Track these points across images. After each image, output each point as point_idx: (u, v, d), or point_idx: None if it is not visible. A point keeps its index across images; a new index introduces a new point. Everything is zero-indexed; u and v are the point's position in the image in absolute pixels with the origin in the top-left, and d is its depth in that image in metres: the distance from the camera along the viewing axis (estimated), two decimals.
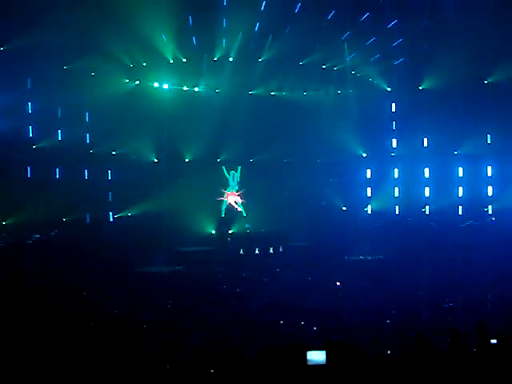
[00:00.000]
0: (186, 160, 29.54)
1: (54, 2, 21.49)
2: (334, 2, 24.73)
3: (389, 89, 29.65)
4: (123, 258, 23.57)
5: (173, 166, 29.12)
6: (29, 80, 26.21)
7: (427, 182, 29.07)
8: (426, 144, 29.27)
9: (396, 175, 30.05)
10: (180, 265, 25.14)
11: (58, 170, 26.97)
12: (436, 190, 28.76)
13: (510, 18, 22.81)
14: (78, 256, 22.25)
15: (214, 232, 29.26)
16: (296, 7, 24.71)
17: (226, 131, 28.66)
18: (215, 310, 16.01)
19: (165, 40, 25.46)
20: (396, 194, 29.90)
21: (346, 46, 28.05)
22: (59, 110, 27.03)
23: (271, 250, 27.66)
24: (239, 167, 30.13)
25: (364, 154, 30.47)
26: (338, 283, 20.76)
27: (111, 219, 28.09)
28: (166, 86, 28.64)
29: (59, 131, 26.85)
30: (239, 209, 30.13)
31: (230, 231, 29.56)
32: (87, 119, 27.75)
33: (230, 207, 30.21)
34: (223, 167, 29.98)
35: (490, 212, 27.87)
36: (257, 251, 27.51)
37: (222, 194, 29.93)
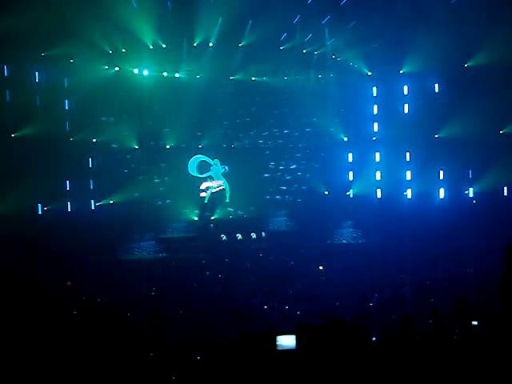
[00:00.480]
0: (168, 146, 29.40)
1: None
2: None
3: (369, 73, 29.63)
4: (105, 246, 23.48)
5: (154, 152, 28.99)
6: (5, 67, 25.83)
7: (409, 166, 29.13)
8: (406, 128, 29.32)
9: (377, 159, 30.10)
10: (163, 252, 25.12)
11: (37, 158, 26.65)
12: (418, 173, 28.83)
13: (493, 3, 22.87)
14: (59, 245, 22.10)
15: (196, 218, 29.21)
16: None
17: (207, 117, 28.63)
18: (198, 297, 16.03)
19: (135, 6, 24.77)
20: (378, 178, 29.96)
21: (326, 30, 27.96)
22: (38, 97, 26.69)
23: (253, 236, 27.71)
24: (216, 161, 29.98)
25: (345, 138, 30.50)
26: (320, 267, 20.88)
27: (93, 207, 27.90)
28: (146, 73, 28.39)
29: (38, 119, 26.51)
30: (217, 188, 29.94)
31: (212, 217, 29.53)
32: (67, 107, 27.45)
33: (212, 194, 30.17)
34: (205, 157, 29.83)
35: (471, 195, 28.02)
36: (239, 237, 27.54)
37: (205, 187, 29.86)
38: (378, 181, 29.89)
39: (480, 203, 27.10)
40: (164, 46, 27.41)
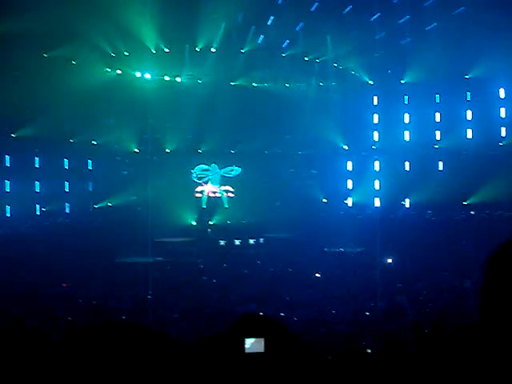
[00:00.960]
0: (168, 150, 29.43)
1: None
2: None
3: (371, 82, 29.70)
4: (103, 248, 23.45)
5: (154, 156, 29.01)
6: (8, 67, 25.84)
7: (408, 175, 29.17)
8: (407, 138, 29.38)
9: (377, 168, 30.14)
10: (160, 256, 25.07)
11: (37, 159, 26.68)
12: (416, 183, 28.86)
13: (491, 15, 22.95)
14: (58, 246, 22.09)
15: (194, 223, 29.22)
16: None
17: (207, 122, 28.64)
18: (195, 301, 16.01)
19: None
20: (376, 187, 29.98)
21: (328, 38, 28.04)
22: (39, 98, 26.68)
23: (252, 242, 27.70)
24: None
25: (345, 147, 30.54)
26: (317, 275, 20.85)
27: (91, 209, 27.89)
28: (147, 76, 28.46)
29: (39, 120, 26.52)
30: (218, 195, 30.09)
31: (210, 222, 29.54)
32: (68, 108, 27.45)
33: (211, 199, 30.20)
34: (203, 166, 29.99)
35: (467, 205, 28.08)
36: (237, 242, 27.53)
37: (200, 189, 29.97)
38: (376, 190, 29.92)
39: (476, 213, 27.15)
40: (167, 50, 27.48)
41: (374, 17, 25.29)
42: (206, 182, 30.05)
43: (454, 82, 27.19)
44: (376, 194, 29.87)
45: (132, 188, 27.65)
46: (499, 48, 24.01)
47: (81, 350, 2.76)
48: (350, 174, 30.73)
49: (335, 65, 29.43)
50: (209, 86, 28.85)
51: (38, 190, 26.45)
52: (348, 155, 30.65)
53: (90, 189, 28.13)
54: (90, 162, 28.12)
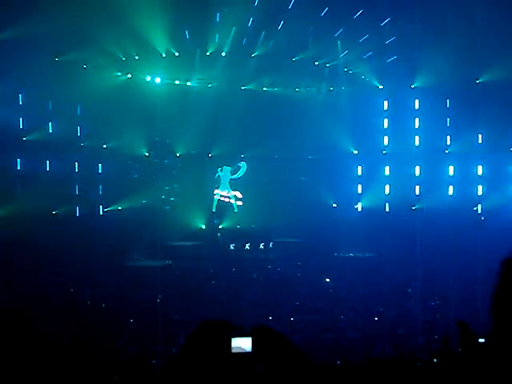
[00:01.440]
0: (178, 154, 29.49)
1: None
2: None
3: (381, 86, 29.63)
4: (112, 252, 23.51)
5: (164, 160, 29.08)
6: (20, 71, 25.97)
7: (418, 181, 29.07)
8: (417, 142, 29.27)
9: (387, 173, 30.04)
10: (169, 259, 25.12)
11: (48, 162, 26.79)
12: (426, 188, 28.76)
13: (502, 18, 22.84)
14: (67, 249, 22.14)
15: (204, 227, 29.23)
16: (290, 3, 24.61)
17: (217, 126, 28.70)
18: (204, 305, 16.01)
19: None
20: (386, 192, 29.89)
21: (339, 42, 28.02)
22: (50, 102, 26.84)
23: (261, 246, 27.69)
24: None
25: (355, 151, 30.48)
26: (327, 279, 20.82)
27: (101, 213, 27.97)
28: (158, 80, 28.54)
29: (50, 123, 26.66)
30: (231, 200, 30.13)
31: (220, 226, 29.55)
32: (78, 112, 27.59)
33: (221, 202, 30.24)
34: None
35: (480, 211, 27.93)
36: (247, 247, 27.54)
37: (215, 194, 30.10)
38: (386, 195, 29.82)
39: (487, 219, 27.03)
40: (177, 54, 27.53)
41: (385, 21, 25.21)
42: (218, 186, 30.12)
43: (465, 87, 27.04)
44: (386, 198, 29.77)
45: (142, 192, 27.70)
46: (511, 52, 23.88)
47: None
48: (360, 179, 30.66)
49: (345, 69, 29.38)
50: (219, 91, 28.91)
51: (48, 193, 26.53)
52: (358, 160, 30.57)
53: (100, 192, 28.19)
54: (100, 165, 28.19)
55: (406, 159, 29.20)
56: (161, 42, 26.36)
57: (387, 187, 29.84)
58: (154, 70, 28.17)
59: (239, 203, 30.20)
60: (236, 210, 29.98)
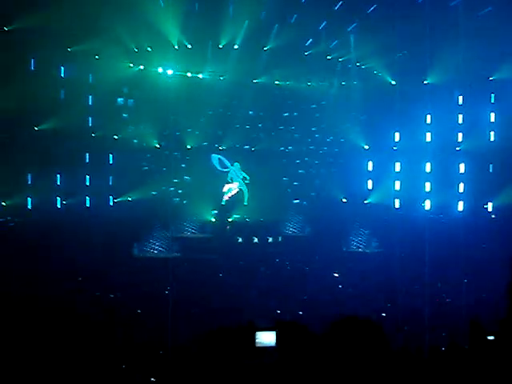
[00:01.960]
0: (188, 147, 29.50)
1: None
2: None
3: (393, 82, 29.49)
4: (122, 243, 23.61)
5: (175, 152, 29.09)
6: (32, 61, 26.06)
7: (428, 177, 28.92)
8: (428, 139, 29.10)
9: (397, 169, 29.92)
10: (179, 251, 25.18)
11: (59, 152, 26.87)
12: (437, 185, 28.63)
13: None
14: (77, 239, 22.25)
15: (213, 220, 29.27)
16: None
17: (228, 119, 28.70)
18: (211, 298, 16.06)
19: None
20: (397, 188, 29.78)
21: (351, 37, 27.93)
22: (62, 91, 26.91)
23: (270, 240, 27.69)
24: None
25: (366, 147, 30.40)
26: (335, 274, 20.82)
27: (111, 203, 28.06)
28: (170, 72, 28.53)
29: (62, 113, 26.72)
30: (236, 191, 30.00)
31: (229, 219, 29.57)
32: (90, 102, 27.65)
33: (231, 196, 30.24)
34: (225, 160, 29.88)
35: (490, 209, 27.77)
36: (256, 240, 27.55)
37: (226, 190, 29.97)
38: (396, 191, 29.72)
39: (497, 217, 26.89)
40: (189, 46, 27.52)
41: (398, 17, 25.07)
42: (231, 181, 30.07)
43: (478, 84, 26.87)
44: (396, 195, 29.68)
45: (152, 183, 27.78)
46: None
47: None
48: (370, 174, 30.57)
49: (358, 64, 29.28)
50: (231, 83, 28.88)
51: (58, 183, 26.69)
52: (369, 155, 30.48)
53: (111, 183, 28.28)
54: (111, 156, 28.25)
55: (417, 155, 29.04)
56: (173, 34, 26.36)
57: (397, 183, 29.72)
58: (166, 62, 28.17)
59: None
60: (246, 203, 29.96)
